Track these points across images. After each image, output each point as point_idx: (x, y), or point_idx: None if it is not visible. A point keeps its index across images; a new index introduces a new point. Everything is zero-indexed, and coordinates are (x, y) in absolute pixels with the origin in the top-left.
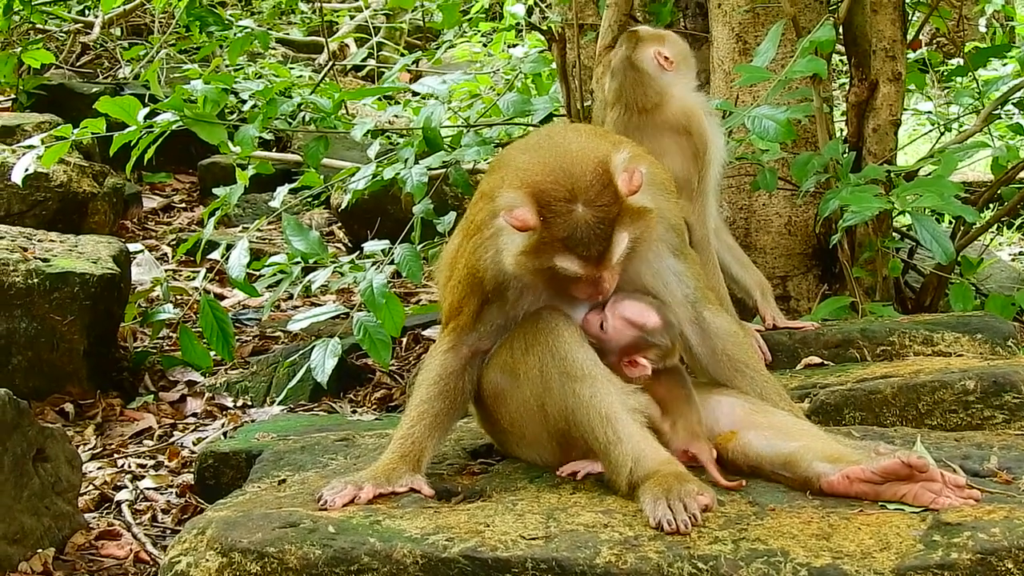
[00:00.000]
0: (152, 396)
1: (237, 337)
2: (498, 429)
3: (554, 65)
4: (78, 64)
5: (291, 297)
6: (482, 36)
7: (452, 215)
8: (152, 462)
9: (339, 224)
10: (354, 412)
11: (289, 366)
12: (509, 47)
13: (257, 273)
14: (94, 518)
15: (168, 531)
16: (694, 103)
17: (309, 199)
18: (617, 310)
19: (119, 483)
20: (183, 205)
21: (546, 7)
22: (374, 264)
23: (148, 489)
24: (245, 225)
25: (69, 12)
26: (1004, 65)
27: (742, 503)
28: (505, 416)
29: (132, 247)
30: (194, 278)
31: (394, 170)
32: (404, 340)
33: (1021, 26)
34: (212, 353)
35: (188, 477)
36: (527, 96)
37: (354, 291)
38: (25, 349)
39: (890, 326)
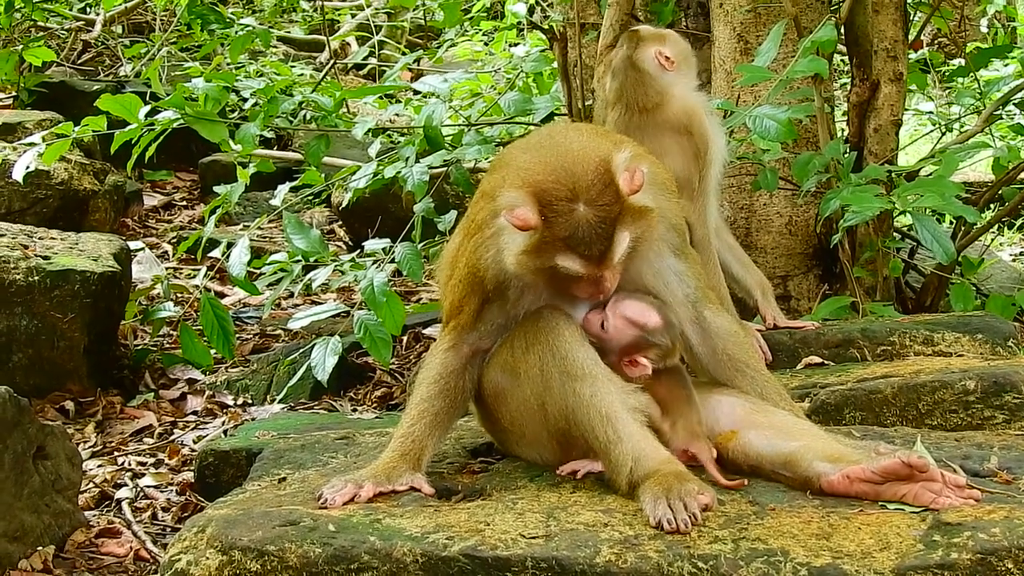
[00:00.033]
0: (152, 394)
1: (237, 335)
2: (498, 428)
3: (555, 64)
4: (79, 62)
5: (292, 295)
6: (483, 35)
7: (453, 214)
8: (152, 460)
9: (340, 222)
10: (354, 410)
11: (289, 364)
12: (510, 46)
13: (258, 271)
14: (94, 516)
15: (168, 529)
16: (695, 103)
17: (310, 197)
18: (618, 309)
19: (119, 481)
20: (184, 203)
21: (547, 6)
22: (375, 262)
23: (148, 487)
24: (246, 223)
25: (70, 9)
26: (1005, 65)
27: (742, 502)
28: (505, 415)
29: (133, 245)
30: (195, 276)
31: (395, 169)
32: (405, 339)
33: (1022, 27)
34: (212, 351)
35: (188, 475)
36: (528, 95)
37: (355, 289)
38: (26, 347)
39: (890, 326)
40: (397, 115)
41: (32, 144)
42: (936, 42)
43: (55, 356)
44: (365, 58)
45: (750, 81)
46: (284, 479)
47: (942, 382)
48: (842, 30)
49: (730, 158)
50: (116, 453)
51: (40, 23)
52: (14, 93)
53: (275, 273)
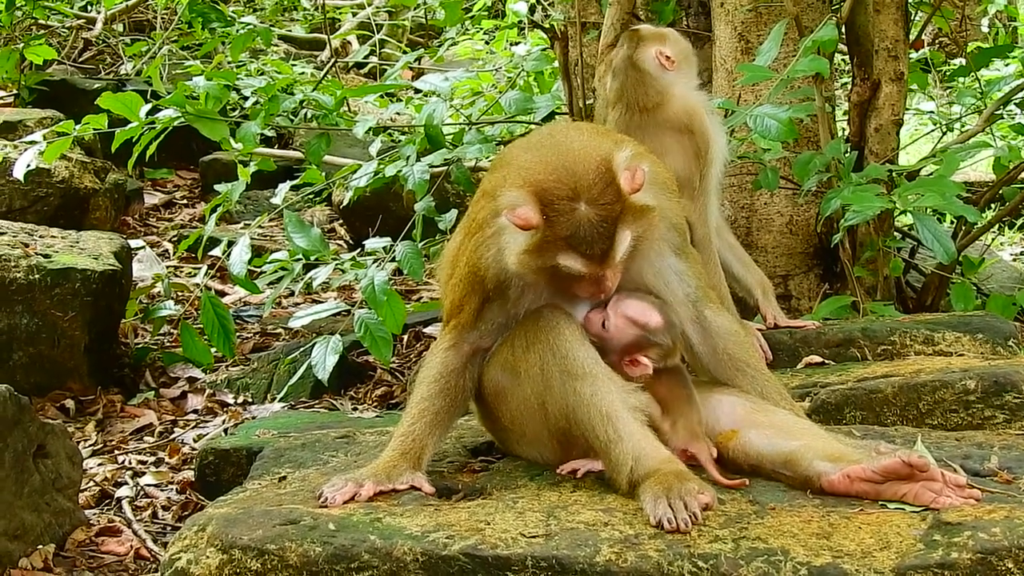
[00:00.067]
0: (153, 392)
1: (238, 334)
2: (499, 427)
3: (556, 63)
4: (80, 60)
5: (292, 294)
6: (484, 34)
7: (453, 213)
8: (153, 459)
9: (340, 221)
10: (355, 409)
11: (290, 363)
12: (511, 45)
13: (258, 270)
14: (94, 514)
15: (168, 528)
16: (696, 102)
17: (311, 196)
18: (619, 309)
19: (120, 479)
20: (184, 201)
21: (548, 5)
22: (375, 261)
23: (149, 486)
24: (247, 222)
25: (71, 8)
26: (1006, 65)
27: (742, 502)
28: (506, 414)
29: (133, 243)
30: (195, 275)
31: (396, 167)
32: (405, 337)
33: (1023, 26)
34: (213, 350)
35: (189, 474)
36: (529, 94)
37: (355, 288)
38: (26, 345)
39: (891, 325)
40: (398, 114)
41: (33, 142)
42: (937, 42)
43: (56, 354)
44: (366, 57)
45: (751, 80)
46: (284, 478)
47: (943, 382)
48: (843, 29)
49: (731, 157)
50: (116, 452)
51: (41, 21)
52: (15, 91)
53: (276, 272)
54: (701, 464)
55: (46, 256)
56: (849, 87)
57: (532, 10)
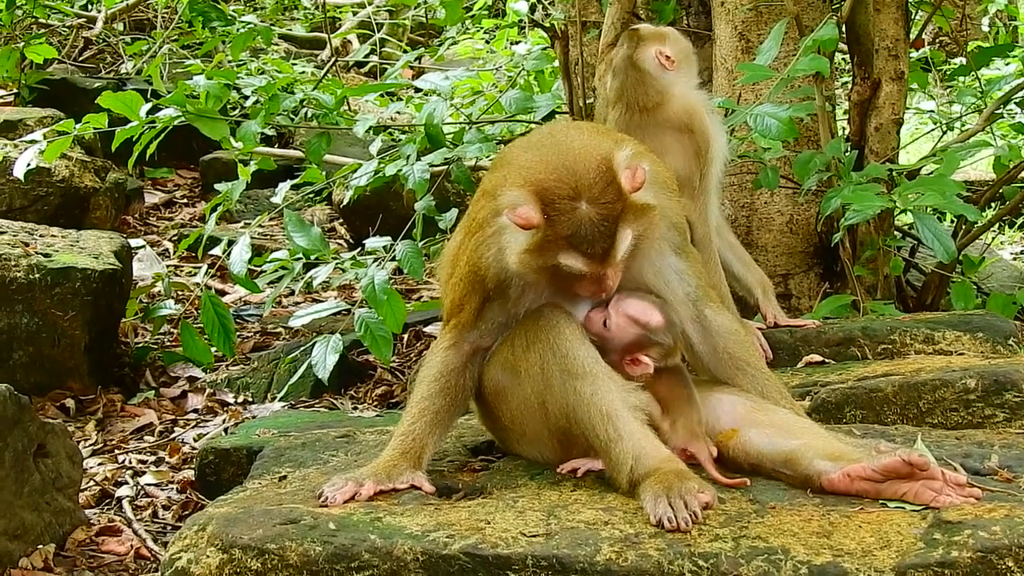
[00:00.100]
0: (153, 392)
1: (238, 333)
2: (499, 426)
3: (556, 62)
4: (80, 59)
5: (292, 293)
6: (485, 33)
7: (454, 212)
8: (153, 458)
9: (341, 220)
10: (355, 409)
11: (290, 362)
12: (512, 44)
13: (258, 269)
14: (95, 514)
15: (169, 527)
16: (696, 101)
17: (311, 195)
18: (621, 308)
19: (120, 479)
20: (185, 201)
21: (549, 4)
22: (376, 260)
23: (149, 485)
24: (247, 221)
25: (72, 7)
26: (1007, 64)
27: (743, 501)
28: (506, 413)
29: (133, 243)
30: (195, 274)
31: (396, 167)
32: (405, 337)
33: (1023, 25)
34: (213, 349)
35: (189, 473)
36: (530, 93)
37: (356, 287)
38: (26, 344)
39: (891, 324)
40: (398, 113)
41: (33, 141)
42: (937, 41)
43: (56, 354)
44: (366, 56)
45: (751, 79)
46: (285, 477)
47: (943, 380)
48: (843, 29)
49: (731, 156)
50: (117, 451)
51: (41, 20)
52: (15, 90)
53: (276, 271)
54: (700, 463)
55: (46, 255)
56: (849, 86)
57: (532, 9)
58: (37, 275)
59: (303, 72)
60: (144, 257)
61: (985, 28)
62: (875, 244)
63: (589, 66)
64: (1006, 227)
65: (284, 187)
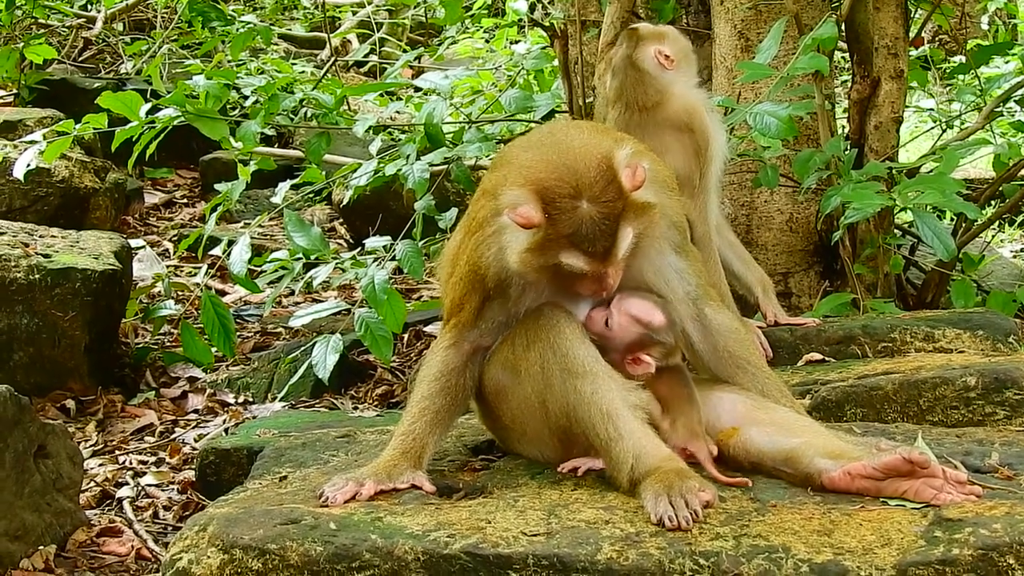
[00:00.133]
0: (153, 392)
1: (238, 333)
2: (499, 425)
3: (556, 61)
4: (80, 59)
5: (292, 293)
6: (484, 32)
7: (454, 211)
8: (153, 459)
9: (341, 220)
10: (355, 408)
11: (290, 362)
12: (511, 43)
13: (259, 269)
14: (95, 515)
15: (170, 528)
16: (695, 100)
17: (311, 195)
18: (623, 307)
19: (120, 480)
20: (185, 201)
21: (548, 3)
22: (376, 260)
23: (149, 486)
24: (247, 221)
25: (71, 7)
26: (1006, 63)
27: (743, 499)
28: (506, 412)
29: (133, 243)
30: (195, 274)
31: (396, 166)
32: (405, 336)
33: (1023, 23)
34: (213, 349)
35: (189, 474)
36: (529, 92)
37: (356, 287)
38: (26, 345)
39: (891, 323)
40: (398, 112)
41: (33, 142)
42: (937, 39)
43: (56, 355)
44: (366, 55)
45: (751, 78)
46: (285, 477)
47: (943, 378)
48: (843, 27)
49: (731, 155)
50: (117, 452)
51: (41, 20)
52: (15, 91)
53: (276, 271)
54: (700, 462)
55: (46, 256)
56: (849, 85)
57: (532, 8)
58: (37, 276)
59: (303, 72)
60: (144, 257)
61: (984, 26)
62: (875, 242)
63: (589, 65)
64: (1006, 225)
65: (284, 187)
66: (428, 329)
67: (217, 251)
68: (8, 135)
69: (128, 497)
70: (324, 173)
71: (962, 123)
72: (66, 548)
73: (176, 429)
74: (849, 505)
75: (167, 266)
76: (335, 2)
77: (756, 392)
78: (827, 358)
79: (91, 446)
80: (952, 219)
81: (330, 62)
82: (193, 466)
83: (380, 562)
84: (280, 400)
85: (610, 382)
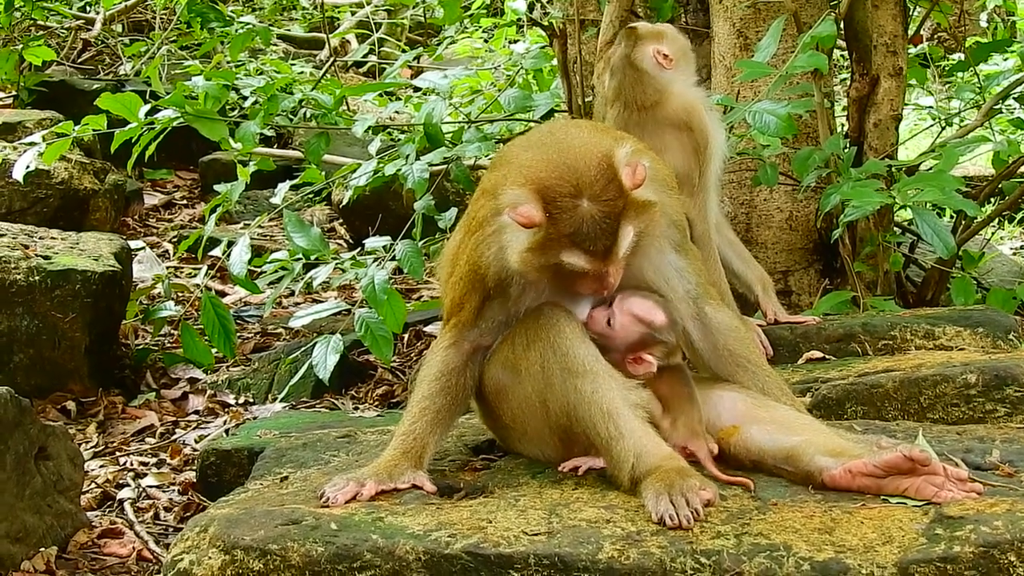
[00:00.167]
0: (154, 393)
1: (239, 334)
2: (500, 425)
3: (555, 61)
4: (79, 61)
5: (292, 294)
6: (483, 32)
7: (453, 211)
8: (154, 460)
9: (340, 220)
10: (356, 409)
11: (291, 363)
12: (510, 43)
13: (258, 270)
14: (96, 516)
15: (171, 529)
16: (694, 99)
17: (310, 195)
18: (625, 307)
19: (121, 481)
20: (184, 202)
21: (547, 2)
22: (375, 260)
23: (150, 487)
24: (246, 222)
25: (70, 8)
26: (1005, 60)
27: (744, 498)
28: (507, 412)
29: (133, 244)
30: (195, 275)
31: (395, 166)
32: (406, 336)
33: (1022, 21)
34: (214, 350)
35: (190, 475)
36: (528, 92)
37: (356, 287)
38: (27, 347)
39: (891, 320)
40: (397, 112)
41: (32, 143)
42: (936, 37)
43: (56, 356)
44: (365, 56)
45: (750, 77)
46: (286, 478)
47: (943, 376)
48: (841, 25)
49: (730, 154)
50: (118, 453)
51: (40, 22)
52: (14, 92)
53: (276, 271)
54: (700, 461)
55: (46, 258)
56: (848, 83)
57: (531, 8)
58: (37, 277)
59: (302, 72)
60: (144, 259)
61: (983, 24)
62: (875, 240)
63: (587, 64)
64: (1005, 222)
65: (283, 187)
66: (428, 329)
67: (217, 252)
68: (7, 137)
69: (129, 498)
70: (323, 173)
71: (961, 120)
72: (67, 550)
73: (177, 430)
74: (850, 503)
75: (167, 267)
76: (334, 2)
77: (756, 390)
78: (827, 356)
79: (92, 447)
80: (952, 216)
81: (329, 62)
82: (194, 467)
83: (381, 562)
84: (281, 401)
85: (610, 381)
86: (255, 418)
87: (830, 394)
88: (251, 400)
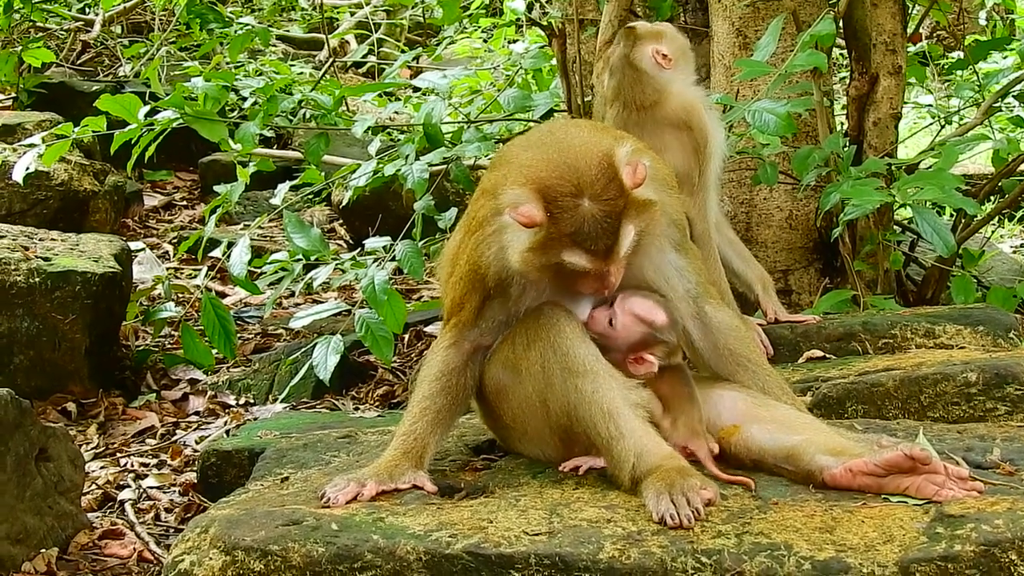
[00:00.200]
0: (154, 395)
1: (239, 335)
2: (500, 425)
3: (554, 61)
4: (79, 62)
5: (293, 294)
6: (482, 32)
7: (453, 211)
8: (155, 461)
9: (340, 221)
10: (356, 409)
11: (291, 364)
12: (509, 43)
13: (259, 271)
14: (97, 517)
15: (171, 530)
16: (694, 98)
17: (310, 196)
18: (626, 306)
19: (122, 482)
20: (184, 203)
21: (546, 2)
22: (376, 261)
23: (151, 488)
24: (246, 223)
25: (69, 10)
26: (1004, 58)
27: (745, 497)
28: (507, 412)
29: (133, 245)
30: (196, 276)
31: (395, 166)
32: (406, 337)
33: (1021, 19)
34: (214, 351)
35: (191, 476)
36: (528, 92)
37: (356, 288)
38: (27, 348)
39: (892, 319)
40: (397, 113)
41: (32, 145)
42: (935, 35)
43: (56, 358)
44: (364, 56)
45: (749, 76)
46: (287, 479)
47: (944, 374)
48: (841, 24)
49: (730, 153)
50: (118, 454)
51: (39, 24)
52: (13, 94)
53: (276, 272)
54: (701, 461)
55: (46, 259)
56: (847, 81)
57: (530, 8)
58: (37, 279)
59: (301, 73)
60: (144, 260)
61: (982, 22)
62: (875, 239)
63: (587, 64)
64: (1005, 220)
65: (283, 188)
66: (428, 329)
67: (217, 253)
68: (7, 139)
69: (130, 499)
70: (323, 174)
71: (961, 119)
72: (68, 551)
73: (177, 431)
74: (851, 502)
75: (167, 268)
76: (333, 3)
77: (757, 390)
78: (828, 355)
79: (92, 449)
80: (951, 215)
81: (328, 63)
82: (194, 468)
83: (382, 563)
84: (281, 401)
85: (611, 381)
86: (256, 419)
87: (830, 393)
88: (252, 401)
